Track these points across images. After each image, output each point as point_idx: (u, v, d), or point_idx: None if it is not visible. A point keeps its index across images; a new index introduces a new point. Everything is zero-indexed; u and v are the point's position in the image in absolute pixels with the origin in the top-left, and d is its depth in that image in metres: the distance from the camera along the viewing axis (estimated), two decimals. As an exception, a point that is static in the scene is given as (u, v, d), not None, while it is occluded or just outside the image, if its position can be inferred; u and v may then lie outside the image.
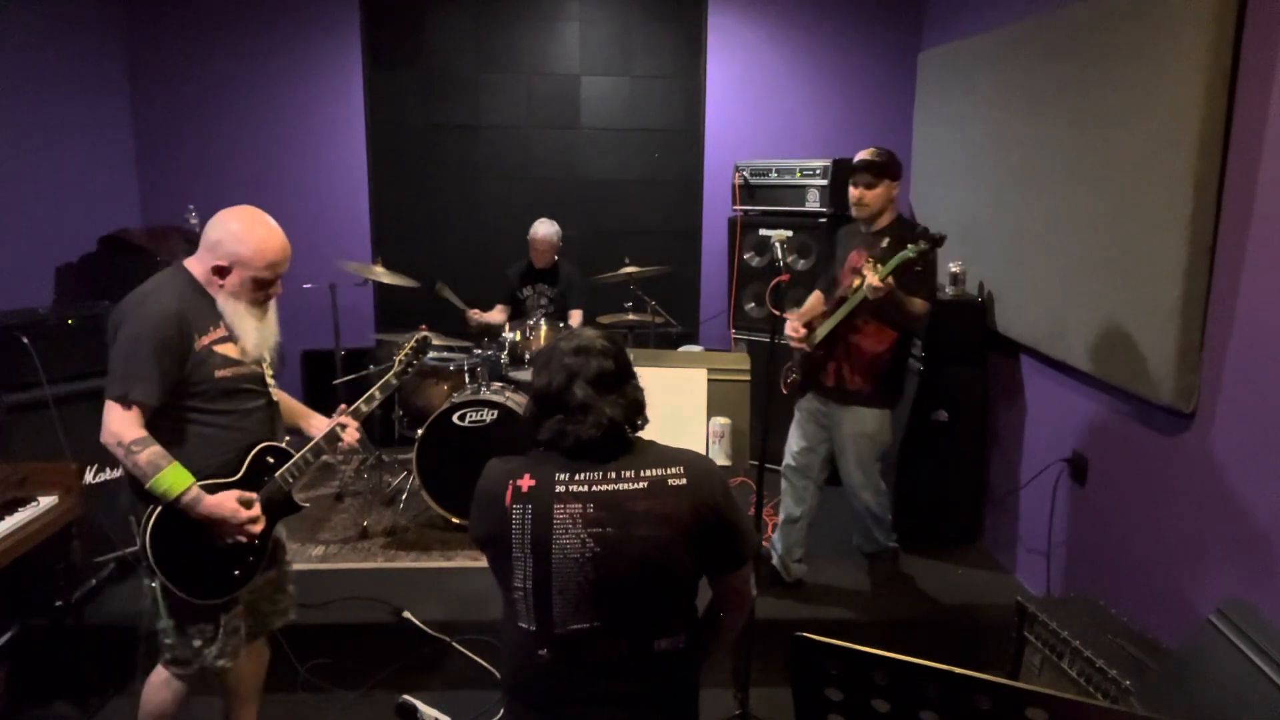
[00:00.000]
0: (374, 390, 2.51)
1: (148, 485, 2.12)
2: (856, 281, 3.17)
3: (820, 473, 3.58)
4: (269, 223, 2.30)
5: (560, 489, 1.71)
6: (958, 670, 1.12)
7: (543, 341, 4.32)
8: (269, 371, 2.39)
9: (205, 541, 2.23)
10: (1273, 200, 2.44)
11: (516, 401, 4.08)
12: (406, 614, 3.36)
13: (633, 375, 1.83)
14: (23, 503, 2.74)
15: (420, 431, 4.06)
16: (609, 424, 1.72)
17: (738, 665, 2.90)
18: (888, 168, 3.29)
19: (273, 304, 2.39)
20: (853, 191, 3.33)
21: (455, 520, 4.09)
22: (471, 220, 5.44)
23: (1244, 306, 2.55)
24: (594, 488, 1.71)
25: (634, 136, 5.39)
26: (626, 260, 4.69)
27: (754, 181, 4.92)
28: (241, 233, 2.23)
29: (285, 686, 3.16)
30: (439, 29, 5.23)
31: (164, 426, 2.18)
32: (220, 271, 2.23)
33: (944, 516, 4.14)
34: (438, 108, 5.31)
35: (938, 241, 3.00)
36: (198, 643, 2.29)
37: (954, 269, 4.11)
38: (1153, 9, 2.82)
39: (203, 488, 2.19)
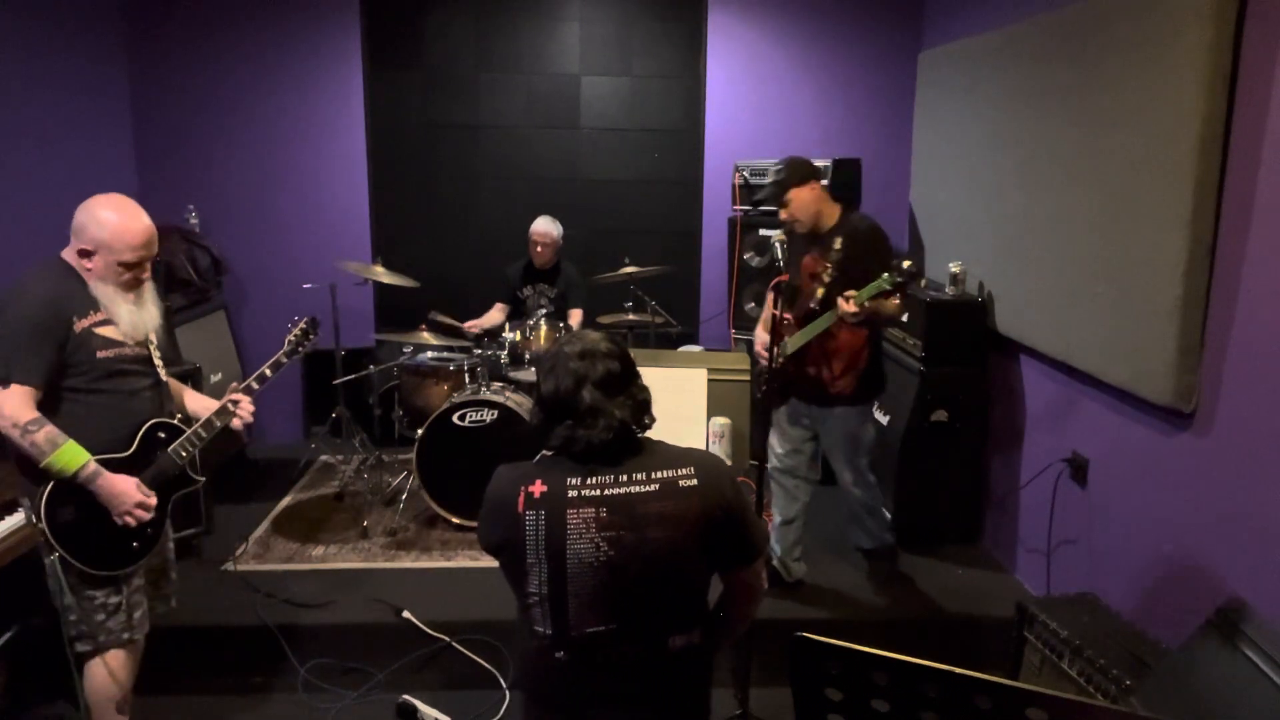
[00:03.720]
0: (264, 369, 2.63)
1: (44, 463, 2.21)
2: (820, 291, 3.13)
3: (809, 470, 3.60)
4: (133, 208, 2.36)
5: (572, 494, 1.71)
6: (958, 670, 1.12)
7: (543, 342, 4.32)
8: (156, 354, 2.46)
9: (102, 514, 2.32)
10: (1273, 200, 2.44)
11: (516, 401, 4.08)
12: (406, 614, 3.36)
13: (637, 376, 1.83)
14: (23, 503, 2.76)
15: (420, 431, 4.06)
16: (619, 426, 1.73)
17: (738, 665, 2.90)
18: (791, 179, 3.26)
19: (150, 288, 2.44)
20: (781, 215, 3.35)
21: (455, 520, 4.09)
22: (471, 220, 5.44)
23: (1244, 306, 2.55)
24: (606, 491, 1.71)
25: (634, 136, 5.39)
26: (626, 260, 4.69)
27: (754, 181, 4.92)
28: (104, 218, 2.28)
29: (285, 686, 3.16)
30: (439, 29, 5.23)
31: (51, 407, 2.26)
32: (85, 255, 2.29)
33: (944, 516, 4.13)
34: (438, 108, 5.31)
35: (914, 276, 2.93)
36: (100, 616, 2.37)
37: (954, 269, 4.11)
38: (1153, 9, 2.82)
39: (98, 463, 2.28)
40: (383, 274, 4.36)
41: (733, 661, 2.98)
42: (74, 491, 2.27)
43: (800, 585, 3.63)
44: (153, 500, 2.37)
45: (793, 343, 3.29)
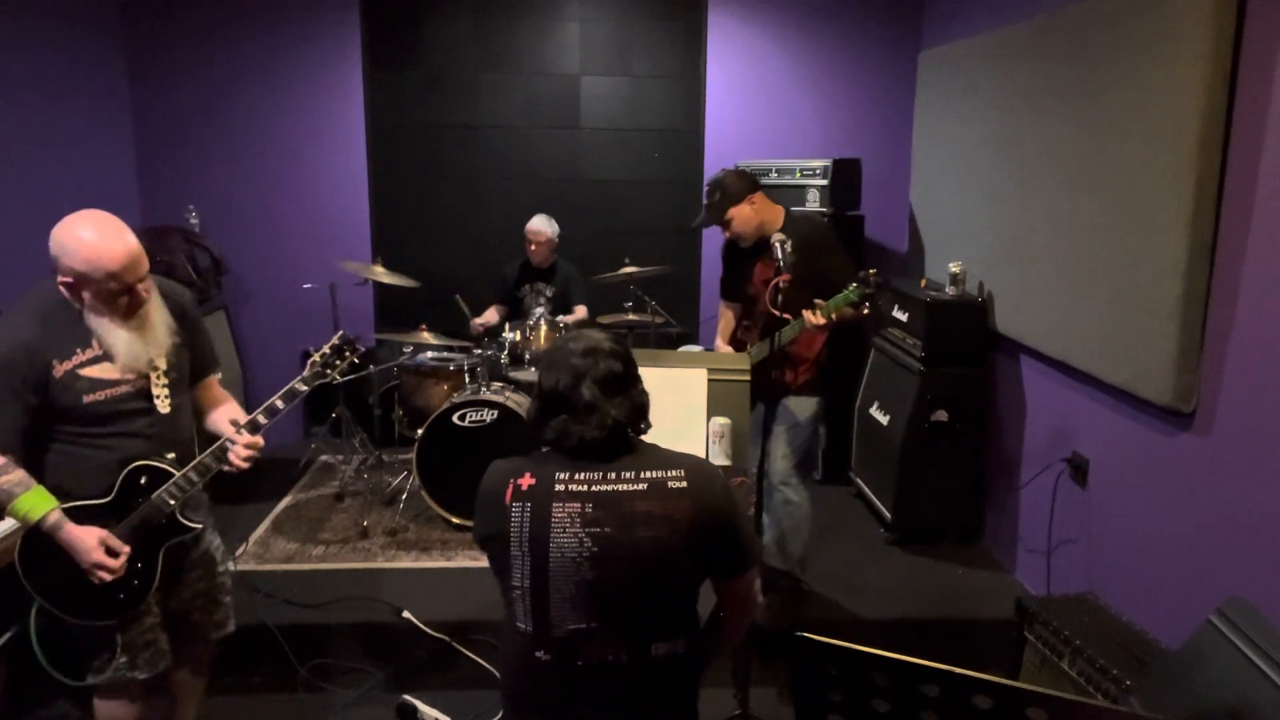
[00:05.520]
0: (275, 400, 2.23)
1: (8, 510, 2.07)
2: (767, 297, 3.02)
3: None
4: (109, 229, 2.04)
5: (559, 488, 1.72)
6: (958, 670, 1.12)
7: (543, 342, 4.32)
8: (161, 382, 2.20)
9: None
10: (1273, 200, 2.44)
11: (516, 401, 4.08)
12: (406, 614, 3.36)
13: (639, 379, 1.83)
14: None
15: (420, 431, 4.06)
16: (613, 425, 1.73)
17: (738, 665, 2.90)
18: (728, 200, 3.18)
19: (158, 309, 2.18)
20: (725, 234, 3.30)
21: (455, 520, 4.09)
22: (471, 220, 5.44)
23: (1244, 306, 2.55)
24: (593, 487, 1.72)
25: (634, 136, 5.39)
26: (626, 260, 4.69)
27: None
28: (77, 244, 2.01)
29: (285, 686, 3.16)
30: (439, 29, 5.23)
31: (37, 449, 2.12)
32: (69, 288, 2.06)
33: (944, 516, 4.14)
34: (438, 108, 5.31)
35: (877, 288, 2.84)
36: (105, 654, 2.25)
37: (954, 269, 4.11)
38: (1153, 9, 2.82)
39: (72, 510, 2.10)
40: (383, 274, 4.36)
41: (733, 662, 2.98)
42: (50, 538, 2.09)
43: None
44: (116, 562, 2.12)
45: (755, 352, 3.24)
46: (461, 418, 4.04)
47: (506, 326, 4.52)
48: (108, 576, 2.13)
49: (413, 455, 4.08)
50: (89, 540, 2.10)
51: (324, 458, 4.93)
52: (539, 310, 4.48)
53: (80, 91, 4.69)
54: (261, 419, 2.23)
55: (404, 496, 4.30)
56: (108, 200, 4.83)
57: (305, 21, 5.15)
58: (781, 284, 2.86)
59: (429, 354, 4.45)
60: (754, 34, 5.28)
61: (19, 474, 2.06)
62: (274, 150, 5.25)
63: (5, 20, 4.07)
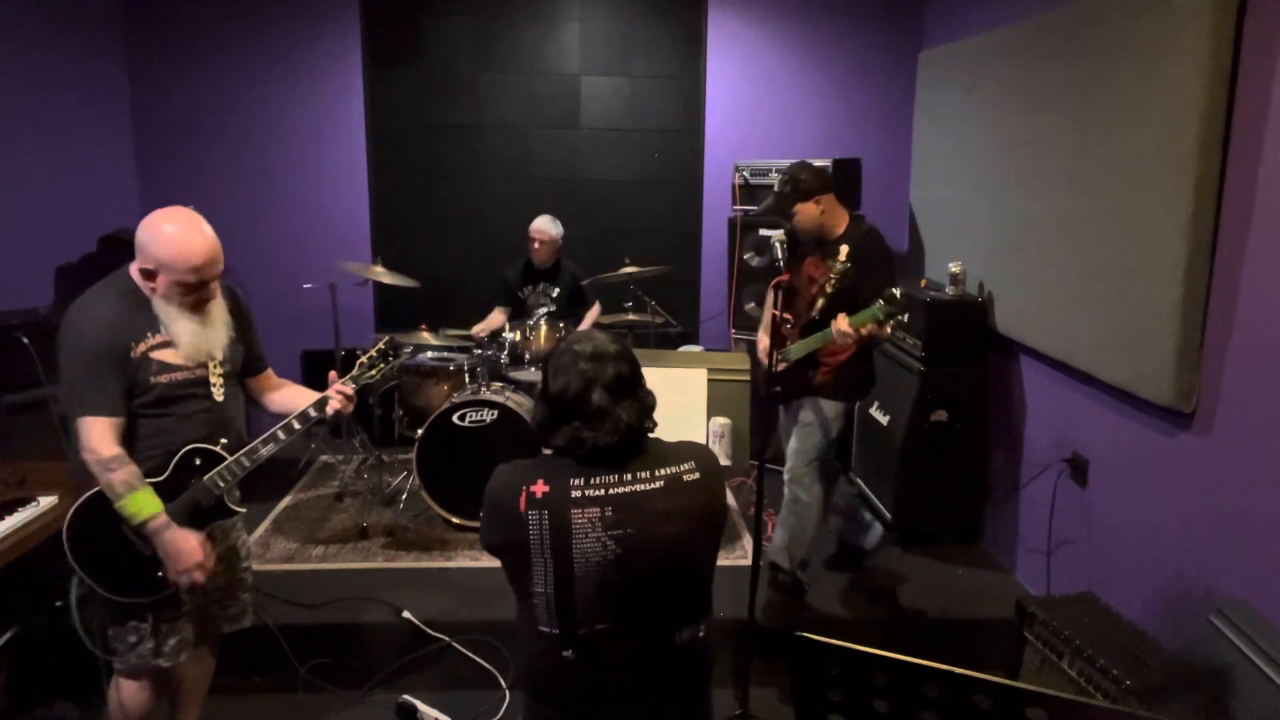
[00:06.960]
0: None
1: (117, 504, 2.15)
2: (820, 302, 3.05)
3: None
4: (196, 225, 2.22)
5: (576, 494, 1.71)
6: (958, 670, 1.12)
7: (543, 342, 4.31)
8: (217, 372, 2.33)
9: (128, 540, 2.22)
10: (1273, 200, 2.44)
11: (517, 401, 4.07)
12: (406, 614, 3.36)
13: (643, 379, 1.83)
14: (23, 503, 2.73)
15: (420, 431, 4.06)
16: (625, 430, 1.72)
17: (738, 665, 2.90)
18: (794, 196, 3.16)
19: (220, 305, 2.33)
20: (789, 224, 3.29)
21: (455, 520, 4.09)
22: (471, 220, 5.44)
23: (1244, 307, 2.55)
24: (611, 490, 1.71)
25: (634, 136, 5.39)
26: (626, 260, 4.69)
27: (754, 181, 4.92)
28: (165, 236, 2.16)
29: (285, 687, 3.16)
30: (439, 29, 5.23)
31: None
32: (148, 275, 2.19)
33: (944, 516, 4.13)
34: (438, 108, 5.31)
35: (905, 308, 2.84)
36: (132, 638, 2.29)
37: (954, 269, 4.10)
38: (1153, 9, 2.82)
39: None
40: (383, 274, 4.36)
41: (733, 661, 2.98)
42: (104, 513, 2.17)
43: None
44: (210, 561, 2.25)
45: (795, 351, 3.22)
46: (461, 418, 4.04)
47: (507, 327, 4.52)
48: (200, 578, 2.23)
49: (413, 455, 4.08)
50: (190, 544, 2.20)
51: (324, 458, 4.93)
52: (542, 310, 4.48)
53: (80, 91, 4.69)
54: (295, 424, 2.39)
55: (404, 496, 4.30)
56: (107, 200, 4.86)
57: (305, 21, 5.15)
58: (783, 284, 2.87)
59: (429, 354, 4.45)
60: (754, 34, 5.28)
61: (133, 468, 2.15)
62: (274, 150, 5.25)
63: (5, 20, 4.07)
